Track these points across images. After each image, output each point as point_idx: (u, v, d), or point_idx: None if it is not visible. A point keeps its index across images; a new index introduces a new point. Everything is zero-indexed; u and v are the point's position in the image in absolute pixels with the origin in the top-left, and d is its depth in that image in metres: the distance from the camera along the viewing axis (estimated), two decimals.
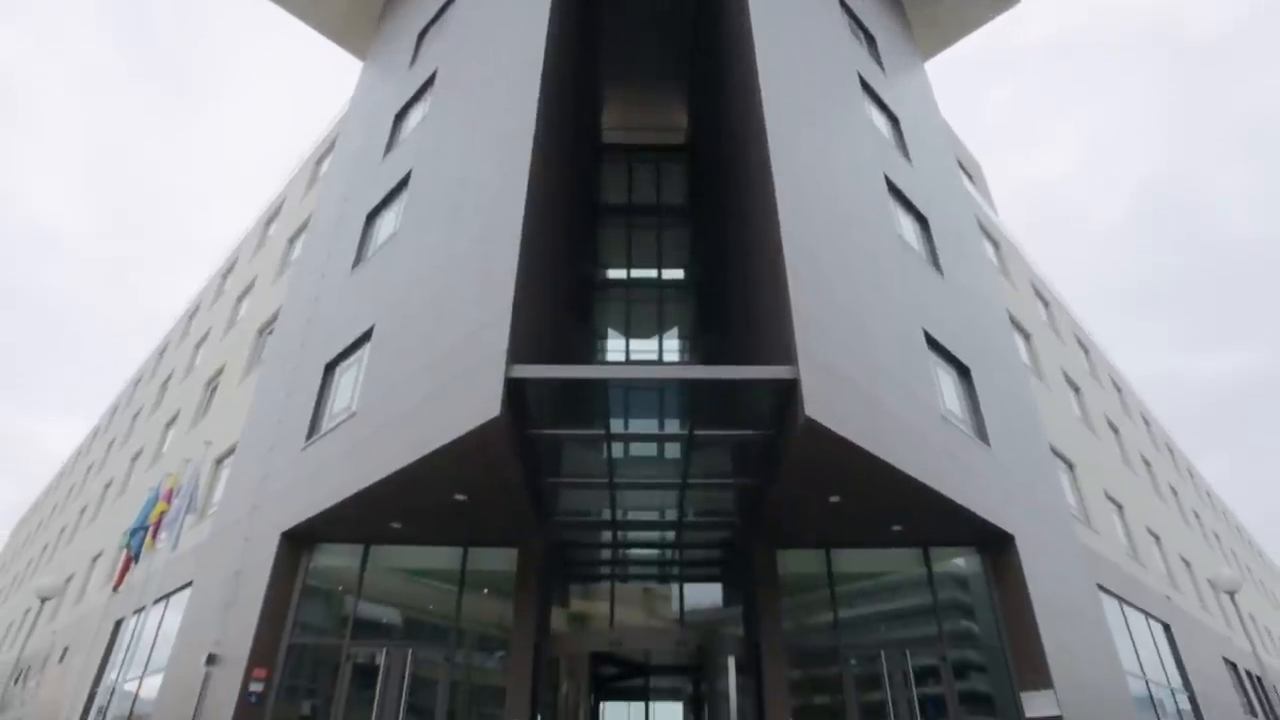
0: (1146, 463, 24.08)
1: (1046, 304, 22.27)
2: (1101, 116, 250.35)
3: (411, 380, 10.44)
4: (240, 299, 21.38)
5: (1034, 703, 10.93)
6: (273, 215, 22.84)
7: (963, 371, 13.27)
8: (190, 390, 20.98)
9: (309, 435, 12.49)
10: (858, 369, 10.00)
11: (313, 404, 12.82)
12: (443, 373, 9.81)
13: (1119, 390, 25.82)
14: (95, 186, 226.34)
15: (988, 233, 19.91)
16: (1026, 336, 18.54)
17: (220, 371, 19.33)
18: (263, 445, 13.77)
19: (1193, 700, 16.66)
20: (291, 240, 19.67)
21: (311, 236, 17.67)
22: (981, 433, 12.69)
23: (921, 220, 15.04)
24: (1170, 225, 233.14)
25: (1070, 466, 16.70)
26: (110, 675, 14.57)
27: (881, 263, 12.48)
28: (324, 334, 13.81)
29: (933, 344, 12.63)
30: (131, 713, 14.08)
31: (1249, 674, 22.24)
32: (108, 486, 25.41)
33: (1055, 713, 10.67)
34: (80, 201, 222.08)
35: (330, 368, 13.11)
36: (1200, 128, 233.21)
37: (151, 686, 13.48)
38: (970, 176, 22.54)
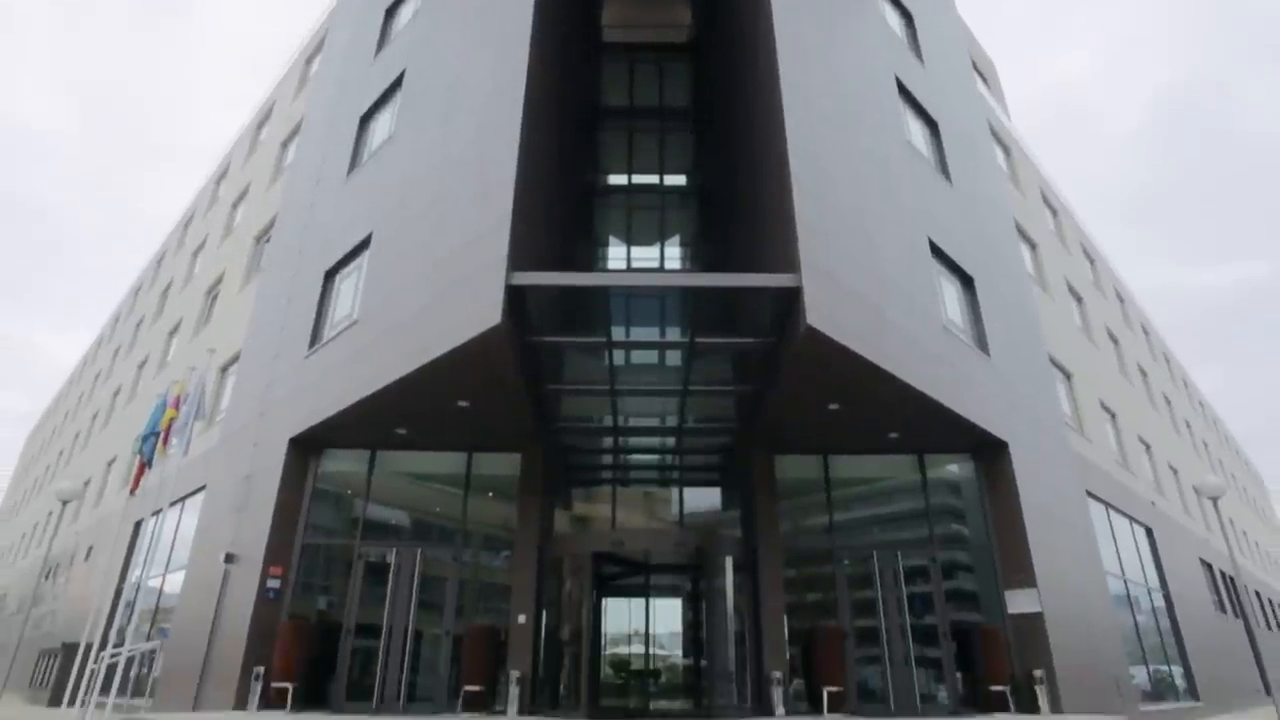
0: (1143, 373, 24.28)
1: (1054, 212, 21.89)
2: (1128, 13, 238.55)
3: (411, 287, 10.40)
4: (235, 205, 21.03)
5: (1017, 600, 11.45)
6: (264, 119, 22.15)
7: (966, 281, 13.19)
8: (191, 299, 20.94)
9: (311, 343, 12.56)
10: (860, 277, 9.93)
11: (314, 312, 12.83)
12: (442, 280, 9.76)
13: (1121, 301, 25.74)
14: (82, 91, 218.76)
15: (999, 138, 19.33)
16: (1032, 246, 18.31)
17: (219, 280, 19.24)
18: (266, 353, 13.87)
19: (1167, 598, 17.43)
20: (284, 145, 19.15)
21: (304, 141, 17.21)
22: (982, 342, 12.74)
23: (931, 125, 14.59)
24: (1187, 133, 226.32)
25: (1068, 376, 16.85)
26: (134, 573, 15.21)
27: (889, 169, 12.19)
28: (322, 241, 13.66)
29: (937, 253, 12.51)
30: (157, 607, 14.80)
31: (1223, 574, 23.16)
32: (116, 394, 25.76)
33: (1037, 609, 11.20)
34: (68, 106, 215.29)
35: (330, 275, 13.04)
36: (1228, 28, 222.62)
37: (175, 583, 14.11)
38: (984, 78, 21.68)
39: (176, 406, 11.56)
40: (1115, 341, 22.33)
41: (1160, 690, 15.46)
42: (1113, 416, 19.01)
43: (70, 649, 16.09)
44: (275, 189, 17.84)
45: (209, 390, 13.71)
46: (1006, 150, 19.66)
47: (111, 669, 10.12)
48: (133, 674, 12.12)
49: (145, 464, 11.62)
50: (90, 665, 10.24)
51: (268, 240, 17.06)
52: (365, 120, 14.50)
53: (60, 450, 33.10)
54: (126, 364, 26.07)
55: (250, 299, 16.00)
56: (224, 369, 16.11)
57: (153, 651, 13.11)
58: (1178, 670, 16.68)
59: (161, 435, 11.48)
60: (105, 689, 9.96)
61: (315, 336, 12.66)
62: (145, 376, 22.59)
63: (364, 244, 12.30)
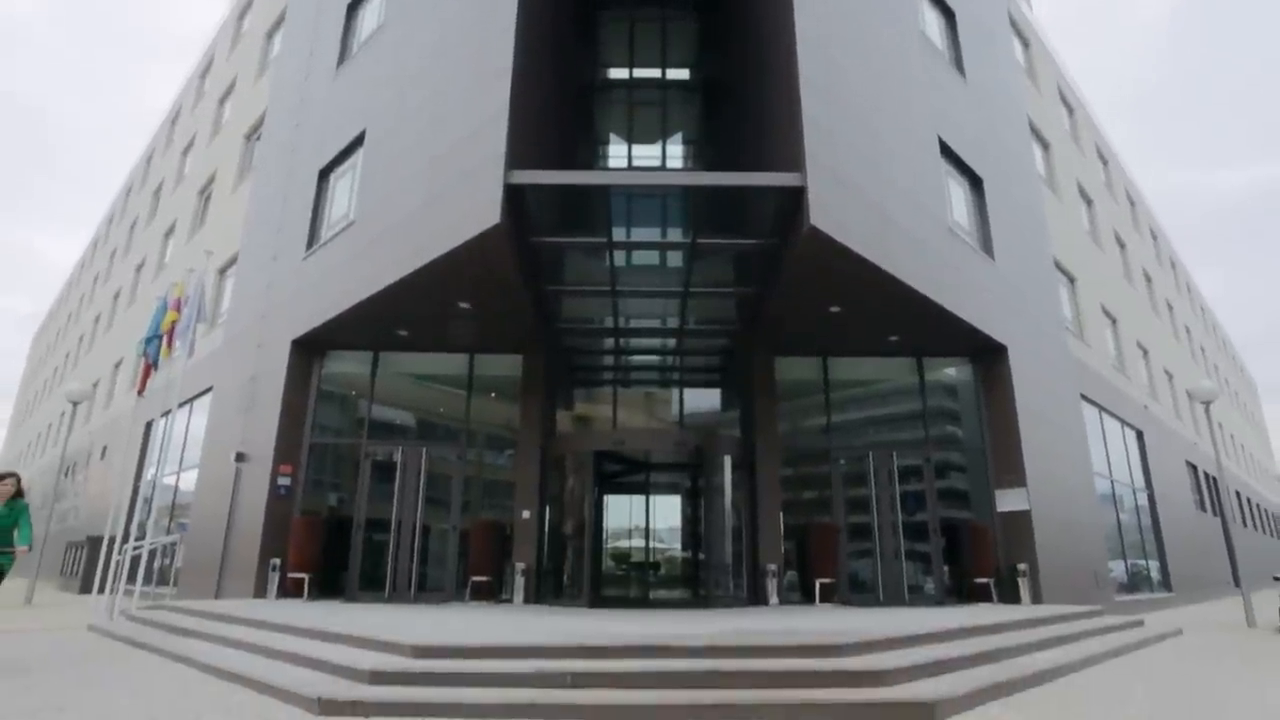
0: (1148, 278, 24.12)
1: (1071, 111, 21.13)
2: None
3: (408, 186, 10.20)
4: (222, 101, 20.30)
5: (1006, 499, 11.83)
6: (245, 7, 21.04)
7: (975, 182, 12.90)
8: (184, 199, 20.56)
9: (309, 245, 12.44)
10: (866, 177, 9.71)
11: (310, 212, 12.63)
12: (440, 178, 9.55)
13: (1132, 204, 25.25)
14: None
15: (1018, 30, 18.42)
16: (1045, 146, 17.79)
17: (212, 179, 18.83)
18: (264, 254, 13.75)
19: (1151, 498, 18.00)
20: (269, 36, 18.28)
21: (290, 31, 16.43)
22: (987, 245, 12.59)
23: (948, 14, 13.87)
24: (1218, 26, 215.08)
25: (1071, 281, 16.75)
26: (149, 471, 15.64)
27: (901, 63, 11.69)
28: (314, 139, 13.28)
29: (947, 152, 12.18)
30: (174, 503, 15.31)
31: (1207, 475, 23.81)
32: (116, 296, 25.74)
33: (1025, 507, 11.58)
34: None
35: (324, 174, 12.76)
36: None
37: (189, 480, 14.54)
38: None
39: (178, 309, 11.57)
40: (1122, 246, 22.06)
41: (1136, 583, 16.19)
42: (1113, 322, 19.03)
43: (95, 542, 16.78)
44: (262, 83, 17.18)
45: (208, 293, 13.68)
46: (1025, 43, 18.78)
47: (135, 560, 10.58)
48: (156, 565, 12.68)
49: (150, 366, 11.74)
50: (115, 557, 10.72)
51: (258, 138, 16.58)
52: (353, 8, 13.80)
53: (66, 353, 33.39)
54: (124, 266, 25.90)
55: (244, 199, 15.71)
56: (222, 271, 16.01)
57: (173, 544, 13.66)
58: (1154, 565, 17.41)
59: (164, 338, 11.55)
60: (131, 578, 10.45)
61: (313, 238, 12.51)
62: (144, 279, 22.49)
63: (358, 141, 11.97)
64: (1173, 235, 32.20)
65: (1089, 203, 19.95)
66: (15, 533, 6.44)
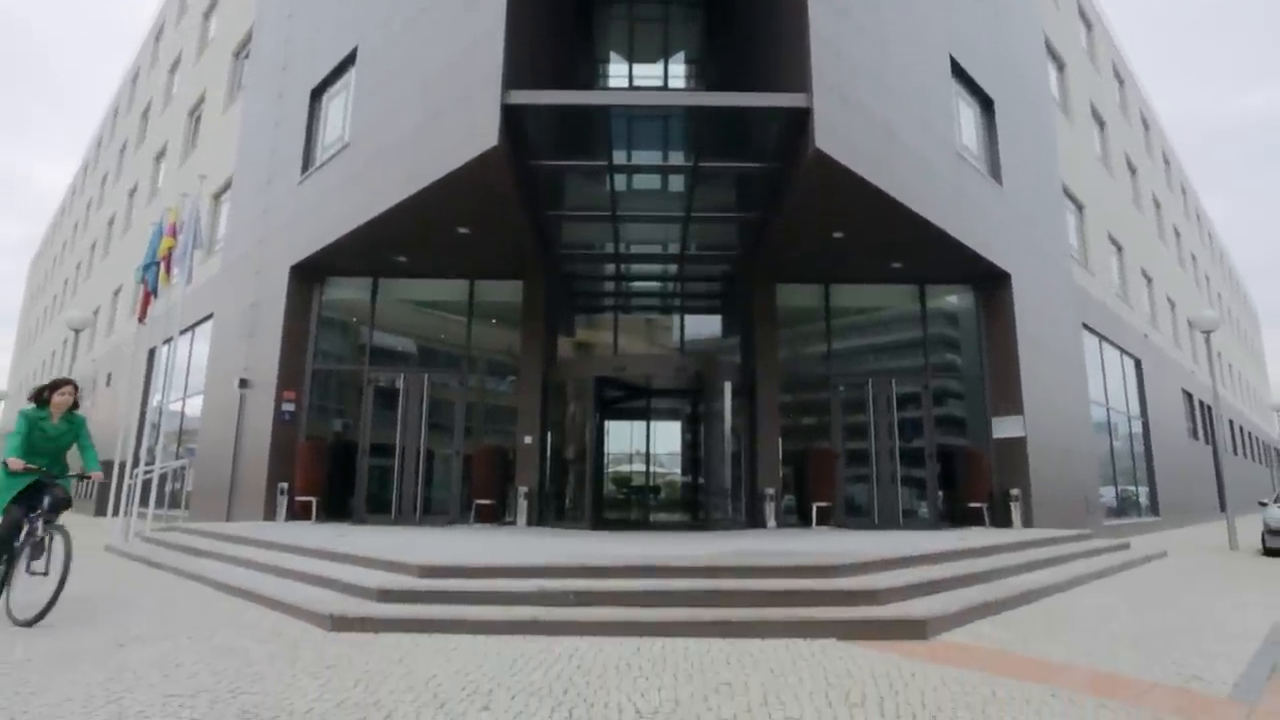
0: (1157, 204, 23.71)
1: (1089, 26, 20.32)
2: None
3: (403, 107, 9.90)
4: (207, 15, 19.52)
5: (1003, 426, 11.96)
6: None
7: (985, 104, 12.52)
8: (173, 121, 20.02)
9: (304, 168, 12.18)
10: (874, 98, 9.40)
11: (304, 134, 12.33)
12: (435, 98, 9.26)
13: (1146, 127, 24.57)
14: None
15: None
16: (1060, 66, 17.18)
17: (201, 100, 18.29)
18: (259, 178, 13.49)
19: (1145, 425, 18.21)
20: None
21: None
22: (995, 170, 12.33)
23: None
24: None
25: (1079, 208, 16.47)
26: (154, 398, 15.79)
27: None
28: (305, 56, 12.83)
29: (958, 72, 11.77)
30: (181, 429, 15.53)
31: (1201, 404, 24.02)
32: (111, 222, 25.39)
33: (1021, 434, 11.73)
34: None
35: (317, 94, 12.39)
36: None
37: (195, 406, 14.69)
38: None
39: (173, 235, 11.41)
40: (1133, 171, 21.60)
41: (1125, 507, 16.56)
42: (1119, 250, 18.82)
43: (106, 467, 17.10)
44: None
45: (204, 218, 13.49)
46: None
47: (147, 485, 10.80)
48: (168, 489, 12.94)
49: (150, 293, 11.69)
50: (127, 481, 10.95)
51: (246, 56, 16.01)
52: None
53: (65, 279, 33.19)
54: (116, 191, 25.45)
55: (236, 121, 15.30)
56: (217, 196, 15.74)
57: (182, 469, 13.93)
58: (1144, 490, 17.77)
59: (162, 264, 11.44)
60: (144, 502, 10.69)
61: (307, 161, 12.25)
62: (138, 205, 22.14)
63: (350, 59, 11.56)
64: (1185, 156, 31.44)
65: (1102, 126, 19.42)
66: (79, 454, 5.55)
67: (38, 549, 4.95)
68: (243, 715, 3.07)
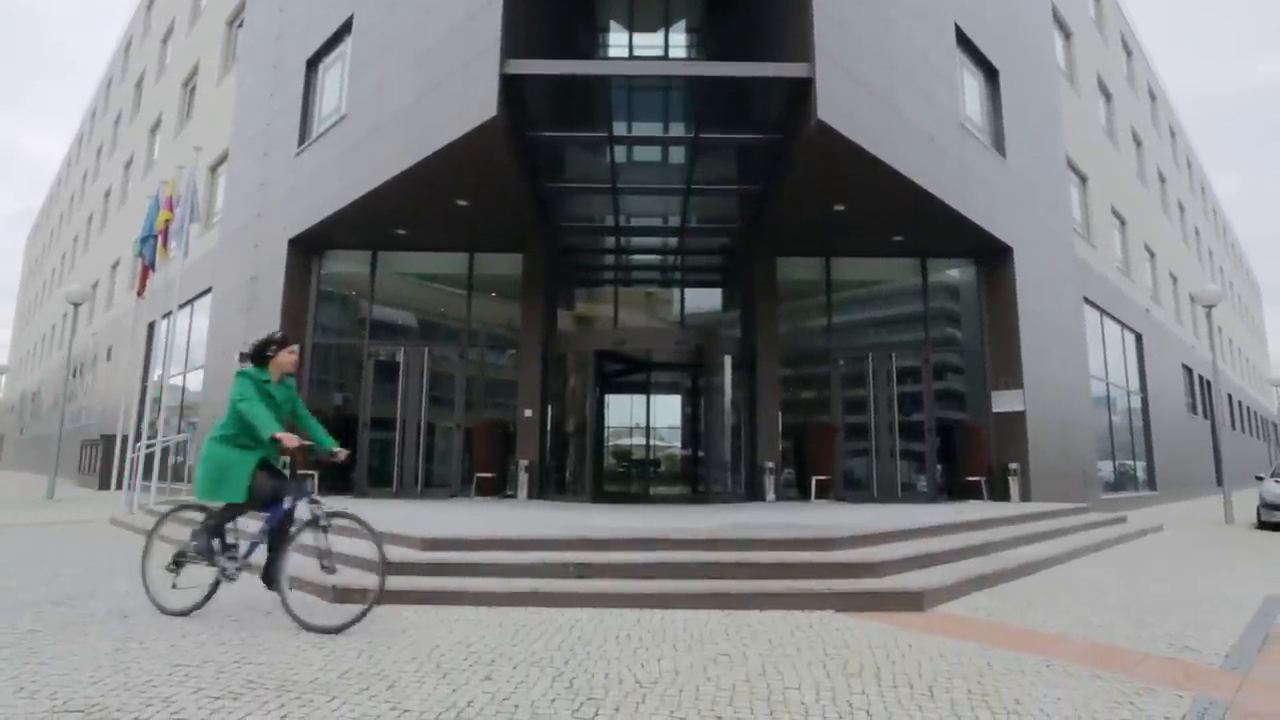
0: (1162, 178, 23.50)
1: None
2: None
3: (400, 77, 9.77)
4: None
5: (1003, 400, 11.98)
6: None
7: (990, 74, 12.36)
8: (168, 92, 19.78)
9: (301, 140, 12.06)
10: (877, 69, 9.28)
11: (299, 106, 12.18)
12: (433, 68, 9.13)
13: (1153, 99, 24.28)
14: None
15: None
16: (1067, 35, 16.92)
17: (195, 70, 18.05)
18: (255, 150, 13.36)
19: (1144, 400, 18.24)
20: None
21: None
22: (999, 143, 12.20)
23: None
24: None
25: (1083, 180, 16.33)
26: (155, 371, 15.80)
27: None
28: (300, 25, 12.64)
29: (963, 42, 11.60)
30: (183, 402, 15.56)
31: (1201, 379, 24.03)
32: (107, 195, 25.21)
33: (1020, 408, 11.75)
34: None
35: (312, 64, 12.22)
36: None
37: (195, 380, 14.71)
38: None
39: (170, 208, 11.33)
40: (1138, 144, 21.37)
41: (1122, 481, 16.65)
42: (1122, 224, 18.69)
43: (109, 440, 17.18)
44: None
45: (200, 191, 13.38)
46: None
47: (149, 458, 10.85)
48: (170, 462, 13.00)
49: (148, 267, 11.63)
50: (129, 454, 11.00)
51: (240, 24, 15.77)
52: None
53: (63, 253, 33.04)
54: (112, 164, 25.23)
55: (231, 92, 15.12)
56: (213, 168, 15.61)
57: (184, 442, 13.98)
58: (1141, 465, 17.85)
59: (159, 237, 11.37)
60: (147, 475, 10.74)
61: (304, 132, 12.12)
62: (133, 177, 21.96)
63: (345, 28, 11.39)
64: (1195, 128, 31.14)
65: (1108, 97, 19.18)
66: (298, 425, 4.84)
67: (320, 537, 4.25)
68: (248, 685, 3.11)
